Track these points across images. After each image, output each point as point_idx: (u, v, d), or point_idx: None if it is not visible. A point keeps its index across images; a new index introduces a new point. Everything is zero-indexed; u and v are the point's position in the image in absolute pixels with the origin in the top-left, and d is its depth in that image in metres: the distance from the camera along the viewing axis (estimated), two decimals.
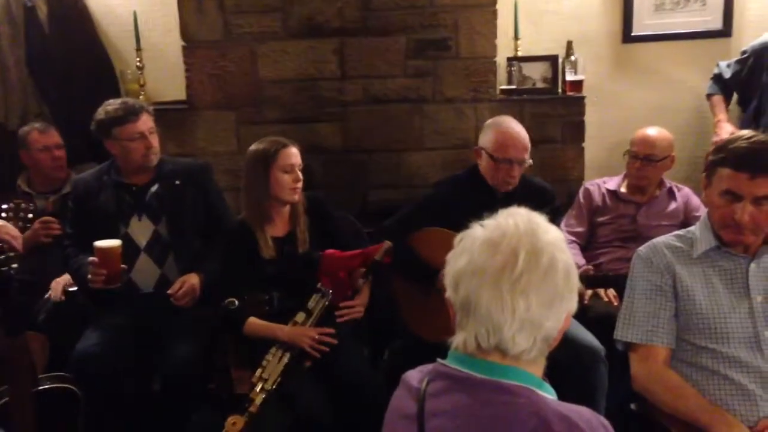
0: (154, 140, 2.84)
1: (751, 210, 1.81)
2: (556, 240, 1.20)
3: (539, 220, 1.23)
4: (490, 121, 2.89)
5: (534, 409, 1.10)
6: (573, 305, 1.21)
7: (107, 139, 2.80)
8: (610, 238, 3.21)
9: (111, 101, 2.86)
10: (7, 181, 3.42)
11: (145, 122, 2.81)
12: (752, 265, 1.90)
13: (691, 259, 1.95)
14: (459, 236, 1.25)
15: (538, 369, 1.20)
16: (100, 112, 2.82)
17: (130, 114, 2.78)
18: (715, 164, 1.89)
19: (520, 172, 2.78)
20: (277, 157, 2.62)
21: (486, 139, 2.80)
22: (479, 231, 1.21)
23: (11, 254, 2.32)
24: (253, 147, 2.70)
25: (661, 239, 2.04)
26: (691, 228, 2.04)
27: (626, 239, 3.18)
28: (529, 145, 2.78)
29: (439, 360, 1.23)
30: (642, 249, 2.04)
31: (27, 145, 3.36)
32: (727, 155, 1.85)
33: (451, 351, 1.21)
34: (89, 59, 3.75)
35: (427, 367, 1.24)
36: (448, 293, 1.22)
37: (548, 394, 1.16)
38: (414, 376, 1.26)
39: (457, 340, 1.20)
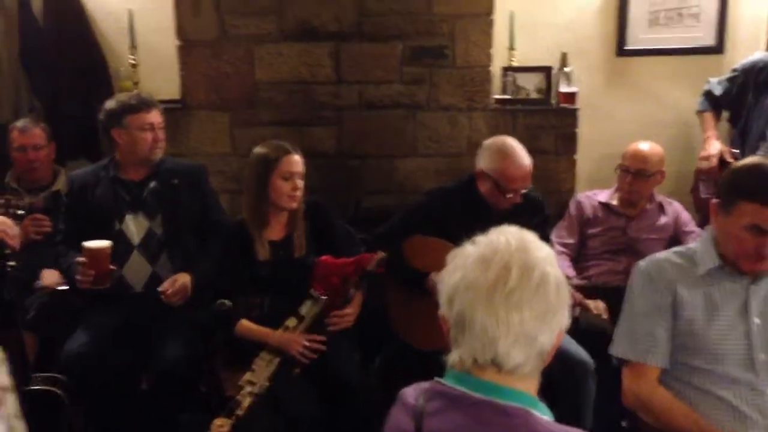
0: (162, 135, 2.87)
1: None
2: (547, 256, 1.23)
3: (530, 237, 1.26)
4: (491, 144, 2.83)
5: (529, 430, 1.11)
6: (565, 321, 1.23)
7: (116, 128, 2.81)
8: (600, 251, 3.24)
9: (123, 93, 2.88)
10: None
11: (156, 116, 2.85)
12: (753, 287, 1.90)
13: (693, 278, 1.94)
14: (451, 253, 1.27)
15: (532, 386, 1.21)
16: (112, 102, 2.85)
17: (143, 104, 2.82)
18: (736, 195, 1.84)
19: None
20: (279, 163, 2.61)
21: (493, 167, 2.75)
22: (471, 248, 1.24)
23: (7, 251, 2.31)
24: (256, 149, 2.70)
25: (662, 255, 2.03)
26: (691, 246, 2.03)
27: (616, 252, 3.22)
28: (531, 169, 2.78)
29: (436, 378, 1.24)
30: (643, 263, 2.02)
31: (9, 142, 3.34)
32: (753, 189, 1.80)
33: (448, 369, 1.23)
34: (83, 55, 3.71)
35: (424, 385, 1.25)
36: (443, 310, 1.24)
37: (543, 414, 1.18)
38: (411, 393, 1.27)
39: (453, 357, 1.21)
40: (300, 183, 2.64)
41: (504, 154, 2.76)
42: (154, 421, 2.68)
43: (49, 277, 2.99)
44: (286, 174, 2.61)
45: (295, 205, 2.66)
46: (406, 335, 2.86)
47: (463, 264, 1.21)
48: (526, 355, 1.16)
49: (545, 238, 3.04)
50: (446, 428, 1.17)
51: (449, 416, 1.18)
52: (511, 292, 1.15)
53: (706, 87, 3.55)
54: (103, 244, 2.62)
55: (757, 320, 1.89)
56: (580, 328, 2.78)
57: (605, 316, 2.92)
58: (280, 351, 2.52)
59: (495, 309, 1.15)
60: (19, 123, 3.36)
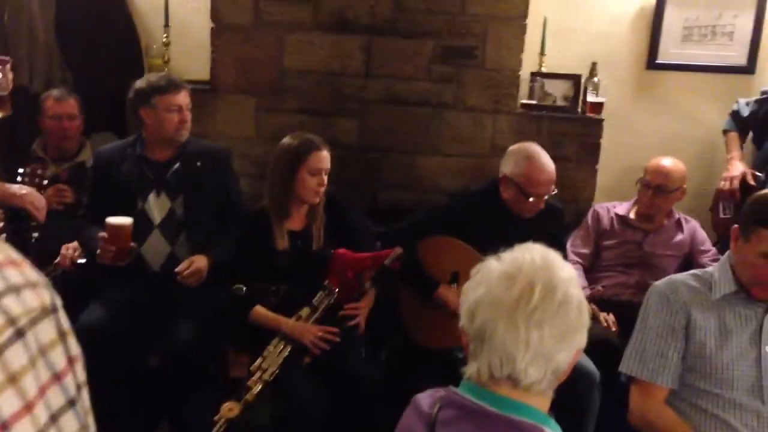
0: (189, 117, 2.89)
1: None
2: (570, 276, 1.25)
3: (554, 256, 1.27)
4: (516, 149, 2.85)
5: None
6: (583, 340, 1.25)
7: (144, 107, 2.84)
8: (613, 263, 3.25)
9: (153, 74, 2.91)
10: (25, 146, 3.43)
11: (184, 97, 2.88)
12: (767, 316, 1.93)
13: (709, 302, 1.96)
14: (475, 268, 1.28)
15: (545, 403, 1.24)
16: (141, 81, 2.88)
17: (172, 86, 2.84)
18: (754, 222, 1.86)
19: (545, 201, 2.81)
20: (308, 158, 2.63)
21: (518, 172, 2.77)
22: (495, 264, 1.25)
23: (33, 223, 2.35)
24: (285, 140, 2.71)
25: (679, 277, 2.05)
26: (708, 269, 2.05)
27: (630, 265, 3.22)
28: (555, 175, 2.80)
29: (451, 387, 1.26)
30: (660, 284, 2.04)
31: (42, 111, 3.37)
32: None
33: (464, 380, 1.25)
34: (116, 30, 3.75)
35: (439, 393, 1.28)
36: (463, 322, 1.26)
37: (554, 431, 1.20)
38: (425, 400, 1.29)
39: (471, 369, 1.23)
40: (325, 179, 2.67)
41: (529, 158, 2.78)
42: (162, 399, 2.72)
43: (67, 255, 3.02)
44: (313, 170, 2.63)
45: (318, 199, 2.69)
46: (415, 332, 2.88)
47: (487, 279, 1.22)
48: (542, 372, 1.18)
49: (562, 246, 3.07)
50: None
51: (462, 427, 1.20)
52: (533, 311, 1.17)
53: (734, 107, 3.54)
54: (126, 221, 2.65)
55: None
56: (588, 340, 2.79)
57: (614, 329, 2.94)
58: (291, 339, 2.55)
59: (516, 326, 1.17)
60: (55, 92, 3.39)
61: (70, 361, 0.69)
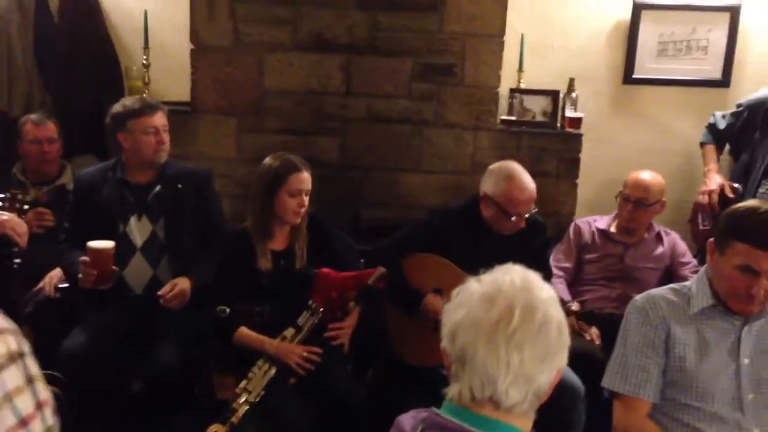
0: (166, 138, 2.89)
1: (765, 284, 1.84)
2: (549, 298, 1.25)
3: (533, 277, 1.28)
4: (496, 168, 2.86)
5: None
6: (564, 360, 1.26)
7: (121, 132, 2.84)
8: (596, 276, 3.27)
9: (129, 97, 2.93)
10: (5, 171, 3.41)
11: (160, 118, 2.87)
12: (746, 328, 1.95)
13: (687, 316, 1.98)
14: (456, 290, 1.29)
15: (527, 423, 1.24)
16: (117, 106, 2.88)
17: (147, 108, 2.85)
18: (730, 236, 1.88)
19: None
20: (287, 179, 2.64)
21: (498, 192, 2.78)
22: (476, 286, 1.26)
23: (15, 249, 2.33)
24: (266, 161, 2.72)
25: (658, 291, 2.07)
26: (686, 283, 2.07)
27: (612, 278, 3.25)
28: (535, 193, 2.82)
29: (433, 409, 1.27)
30: (638, 299, 2.06)
31: (21, 135, 3.37)
32: (746, 230, 1.84)
33: (446, 402, 1.25)
34: (96, 52, 3.74)
35: (421, 414, 1.28)
36: (444, 343, 1.26)
37: None
38: (407, 421, 1.29)
39: (452, 391, 1.24)
40: (306, 200, 2.68)
41: (509, 178, 2.79)
42: (146, 422, 2.70)
43: (51, 282, 3.01)
44: (293, 191, 2.64)
45: (299, 220, 2.70)
46: (400, 351, 2.89)
47: (468, 301, 1.23)
48: (524, 394, 1.19)
49: (545, 260, 3.09)
50: None
51: None
52: (513, 333, 1.17)
53: (710, 120, 3.59)
54: (107, 244, 2.64)
55: (746, 360, 1.92)
56: (571, 353, 2.81)
57: (598, 342, 2.96)
58: (276, 360, 2.55)
59: (496, 348, 1.17)
60: (33, 116, 3.40)
61: (38, 405, 0.68)
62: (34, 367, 0.70)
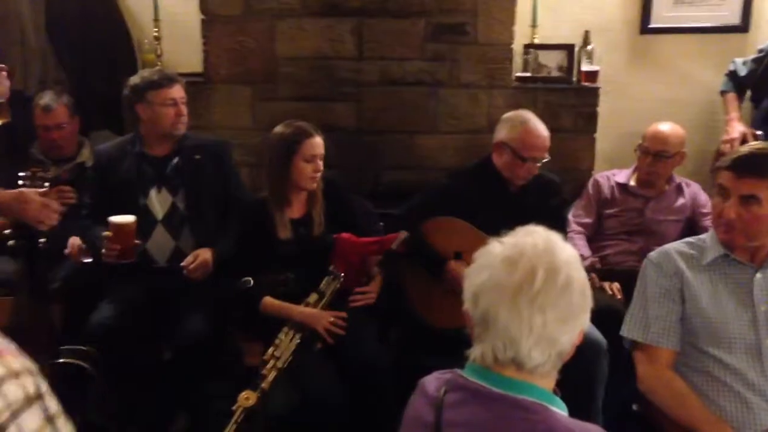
0: (185, 110, 2.90)
1: (739, 209, 1.88)
2: (572, 259, 1.25)
3: (556, 239, 1.27)
4: (511, 116, 2.90)
5: (547, 426, 1.16)
6: (586, 321, 1.26)
7: (139, 103, 2.85)
8: (616, 231, 3.26)
9: (147, 69, 2.95)
10: (24, 149, 3.44)
11: (179, 91, 2.88)
12: (758, 275, 1.95)
13: (700, 266, 2.00)
14: (478, 252, 1.29)
15: (550, 382, 1.26)
16: (136, 78, 2.89)
17: (166, 80, 2.86)
18: (719, 169, 1.97)
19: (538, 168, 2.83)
20: (301, 146, 2.64)
21: (511, 137, 2.81)
22: (498, 248, 1.26)
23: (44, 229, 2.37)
24: (278, 130, 2.72)
25: (672, 245, 2.09)
26: (702, 236, 2.09)
27: (633, 232, 3.23)
28: (549, 141, 2.84)
29: (457, 370, 1.28)
30: (653, 254, 2.09)
31: (35, 116, 3.38)
32: (733, 160, 1.92)
33: (469, 363, 1.27)
34: (107, 27, 3.74)
35: (445, 375, 1.29)
36: (467, 306, 1.27)
37: (560, 409, 1.22)
38: (431, 383, 1.31)
39: (475, 352, 1.25)
40: (320, 164, 2.68)
41: (524, 123, 2.83)
42: (178, 391, 2.76)
43: (75, 244, 3.02)
44: (308, 156, 2.64)
45: (315, 185, 2.71)
46: (422, 313, 2.91)
47: (490, 264, 1.23)
48: (546, 355, 1.20)
49: (563, 220, 3.08)
50: (465, 420, 1.21)
51: (468, 409, 1.22)
52: (536, 295, 1.18)
53: (730, 67, 3.53)
54: (129, 219, 2.67)
55: (763, 307, 1.93)
56: (594, 308, 2.81)
57: (619, 296, 2.96)
58: (302, 326, 2.58)
59: (519, 310, 1.18)
60: (42, 101, 3.33)
61: None
62: (53, 406, 0.71)
